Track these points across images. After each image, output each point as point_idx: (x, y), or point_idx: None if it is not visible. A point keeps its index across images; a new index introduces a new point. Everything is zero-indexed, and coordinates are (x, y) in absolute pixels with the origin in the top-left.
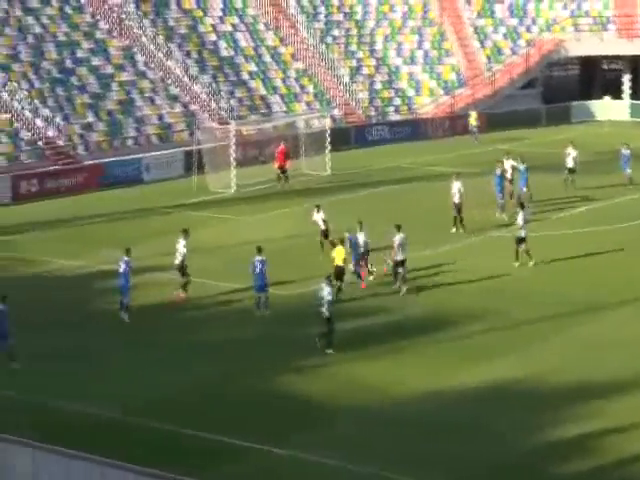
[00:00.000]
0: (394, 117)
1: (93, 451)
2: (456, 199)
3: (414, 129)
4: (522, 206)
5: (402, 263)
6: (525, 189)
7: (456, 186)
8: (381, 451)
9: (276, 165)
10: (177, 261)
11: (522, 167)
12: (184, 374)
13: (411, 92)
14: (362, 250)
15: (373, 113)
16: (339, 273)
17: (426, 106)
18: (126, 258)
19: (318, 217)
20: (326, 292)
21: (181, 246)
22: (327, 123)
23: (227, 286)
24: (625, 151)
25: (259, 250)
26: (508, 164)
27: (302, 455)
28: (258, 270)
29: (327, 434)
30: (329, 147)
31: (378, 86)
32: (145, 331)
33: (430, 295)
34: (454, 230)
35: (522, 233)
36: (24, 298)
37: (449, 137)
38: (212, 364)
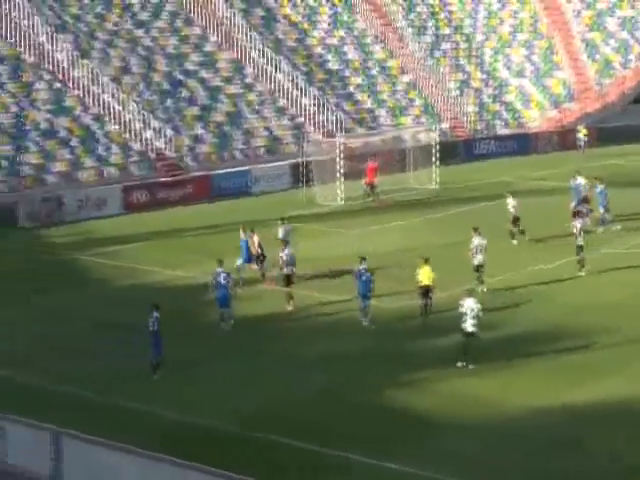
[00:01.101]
0: (502, 131)
1: (203, 461)
2: (512, 212)
3: (522, 143)
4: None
5: (479, 268)
6: (602, 210)
7: (511, 203)
8: (489, 466)
9: (365, 181)
10: (285, 271)
11: (600, 188)
12: (293, 387)
13: (519, 106)
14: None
15: (481, 127)
16: (425, 292)
17: (534, 120)
18: (219, 269)
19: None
20: (469, 306)
21: (285, 255)
22: (434, 137)
23: (333, 298)
24: None
25: (363, 259)
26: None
27: (412, 470)
28: (365, 278)
29: (437, 449)
30: (436, 161)
31: (486, 100)
32: (252, 342)
33: (541, 311)
34: (515, 242)
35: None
36: (131, 309)
37: (557, 152)
38: (320, 377)
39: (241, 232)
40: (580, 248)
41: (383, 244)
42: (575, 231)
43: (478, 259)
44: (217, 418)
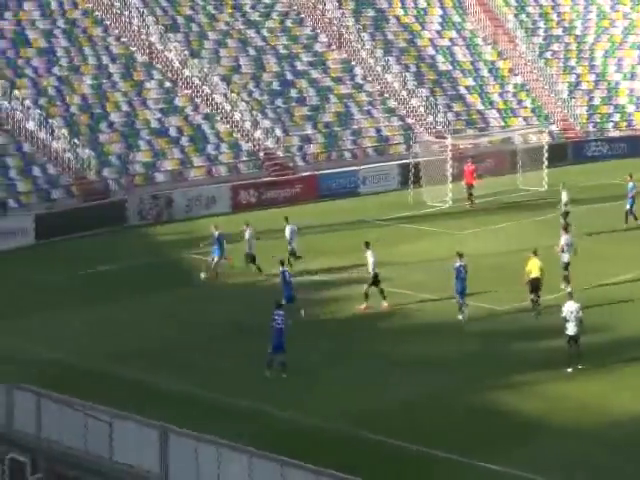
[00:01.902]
0: (612, 133)
1: (309, 460)
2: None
3: (633, 146)
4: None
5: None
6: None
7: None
8: (593, 471)
9: (464, 183)
10: (370, 270)
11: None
12: (396, 387)
13: (631, 108)
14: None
15: (591, 129)
16: (534, 285)
17: None
18: (282, 268)
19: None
20: (568, 309)
21: (369, 256)
22: (544, 138)
23: (436, 299)
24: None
25: (460, 256)
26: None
27: (517, 472)
28: (463, 275)
29: (542, 452)
30: (546, 163)
31: (597, 102)
32: (356, 342)
33: None
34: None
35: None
36: (237, 306)
37: None
38: (424, 377)
39: (212, 228)
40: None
41: (491, 245)
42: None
43: (565, 257)
44: (326, 418)
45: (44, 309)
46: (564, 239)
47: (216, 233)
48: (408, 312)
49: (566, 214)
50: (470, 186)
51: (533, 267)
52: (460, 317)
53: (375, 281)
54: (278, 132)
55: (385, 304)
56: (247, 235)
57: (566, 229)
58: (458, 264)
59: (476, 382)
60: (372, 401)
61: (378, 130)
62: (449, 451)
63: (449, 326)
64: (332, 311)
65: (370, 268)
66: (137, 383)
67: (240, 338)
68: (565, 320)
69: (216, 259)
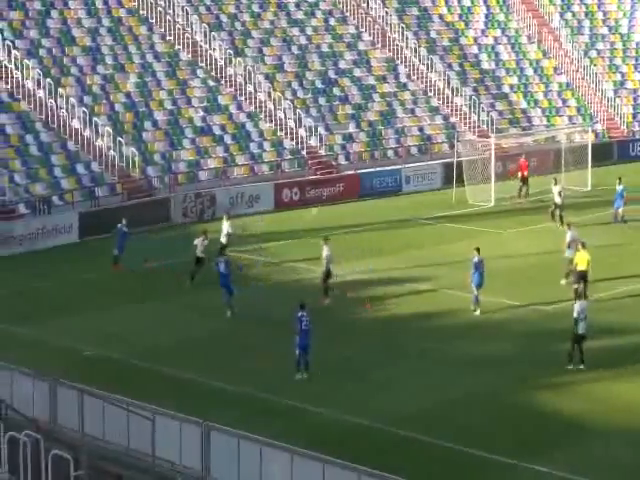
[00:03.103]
0: None
1: (349, 460)
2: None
3: None
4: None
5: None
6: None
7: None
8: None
9: (519, 176)
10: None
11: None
12: (440, 387)
13: None
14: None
15: (637, 128)
16: (582, 277)
17: None
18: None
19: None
20: (581, 308)
21: (324, 251)
22: (589, 138)
23: (483, 299)
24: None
25: (477, 250)
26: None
27: (563, 474)
28: (482, 270)
29: (588, 454)
30: (590, 162)
31: None
32: (401, 341)
33: None
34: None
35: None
36: (279, 306)
37: None
38: (468, 378)
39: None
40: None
41: (534, 245)
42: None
43: (569, 253)
44: (370, 418)
45: (89, 306)
46: (570, 235)
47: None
48: (453, 312)
49: (559, 208)
50: (524, 178)
51: (581, 260)
52: (476, 311)
53: (326, 276)
54: (321, 131)
55: (326, 301)
56: (200, 246)
57: (569, 225)
58: (477, 259)
59: (520, 382)
60: (416, 401)
61: (421, 129)
62: (494, 452)
63: (492, 326)
64: (376, 310)
65: (324, 263)
66: (182, 380)
67: (284, 337)
68: (576, 320)
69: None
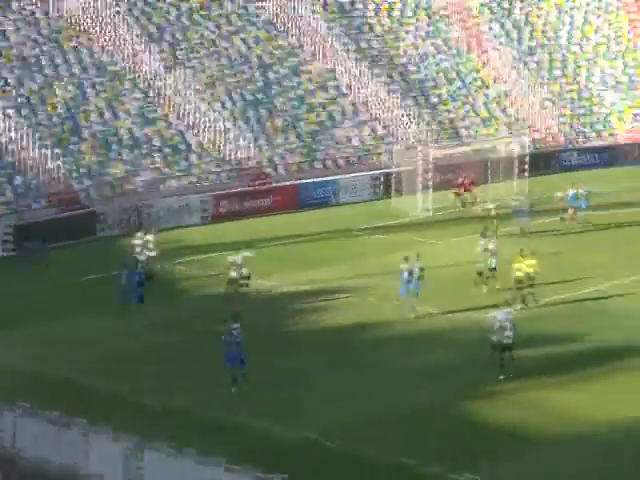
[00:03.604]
0: (594, 143)
1: (287, 472)
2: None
3: (612, 155)
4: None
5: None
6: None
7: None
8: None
9: (461, 191)
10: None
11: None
12: (376, 398)
13: (613, 118)
14: None
15: (573, 138)
16: (525, 281)
17: (628, 132)
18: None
19: None
20: (500, 318)
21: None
22: (525, 148)
23: (423, 309)
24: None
25: (406, 259)
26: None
27: None
28: (406, 277)
29: (532, 463)
30: (526, 172)
31: (579, 111)
32: (340, 353)
33: (621, 321)
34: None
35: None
36: (216, 319)
37: None
38: (402, 388)
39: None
40: None
41: (468, 255)
42: None
43: (490, 263)
44: (308, 430)
45: (20, 320)
46: (482, 245)
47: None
48: (391, 322)
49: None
50: (466, 192)
51: (522, 266)
52: (412, 315)
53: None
54: (256, 142)
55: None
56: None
57: (484, 234)
58: (412, 266)
59: (457, 392)
60: (354, 413)
61: (356, 140)
62: (431, 464)
63: (429, 336)
64: (313, 321)
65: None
66: (113, 395)
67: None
68: (499, 329)
69: None
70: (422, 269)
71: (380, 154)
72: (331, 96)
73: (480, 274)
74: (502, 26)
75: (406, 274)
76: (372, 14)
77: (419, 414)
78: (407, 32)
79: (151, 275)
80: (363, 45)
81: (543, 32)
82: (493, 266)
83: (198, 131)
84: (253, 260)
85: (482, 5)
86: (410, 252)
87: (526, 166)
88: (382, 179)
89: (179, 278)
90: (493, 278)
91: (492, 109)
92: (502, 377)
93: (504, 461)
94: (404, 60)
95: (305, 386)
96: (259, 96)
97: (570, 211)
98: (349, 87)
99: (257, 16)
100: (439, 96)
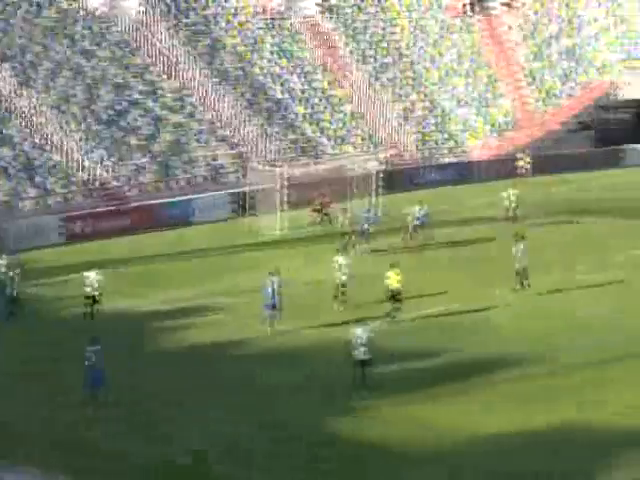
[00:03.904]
0: (445, 159)
1: None
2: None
3: (465, 171)
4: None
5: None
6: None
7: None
8: None
9: (316, 209)
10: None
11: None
12: (238, 417)
13: (462, 134)
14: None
15: (424, 155)
16: (394, 295)
17: (477, 148)
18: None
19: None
20: (360, 334)
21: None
22: (377, 166)
23: (281, 327)
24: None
25: (273, 273)
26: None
27: None
28: (270, 290)
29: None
30: (379, 190)
31: (429, 128)
32: (204, 373)
33: (475, 339)
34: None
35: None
36: (73, 339)
37: (500, 179)
38: (263, 405)
39: None
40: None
41: (325, 271)
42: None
43: (342, 279)
44: (171, 451)
45: None
46: (339, 260)
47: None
48: (251, 340)
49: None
50: (323, 209)
51: (392, 279)
52: (269, 330)
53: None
54: (111, 162)
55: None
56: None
57: (341, 250)
58: (271, 280)
59: (319, 408)
60: (216, 433)
61: (211, 159)
62: None
63: (289, 353)
64: (174, 341)
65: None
66: None
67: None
68: (355, 346)
69: None
70: (281, 285)
71: (236, 173)
72: (185, 115)
73: (337, 290)
74: (356, 45)
75: (270, 289)
76: (226, 33)
77: (280, 431)
78: (262, 51)
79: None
80: (217, 64)
81: (396, 50)
82: (344, 282)
83: (53, 151)
84: (111, 280)
85: (337, 24)
86: (268, 270)
87: (380, 183)
88: (239, 198)
89: (34, 300)
90: (342, 295)
91: (347, 127)
92: (365, 393)
93: (370, 477)
94: (259, 79)
95: (165, 405)
96: (113, 116)
97: (411, 229)
98: (204, 106)
99: (110, 35)
100: (295, 114)
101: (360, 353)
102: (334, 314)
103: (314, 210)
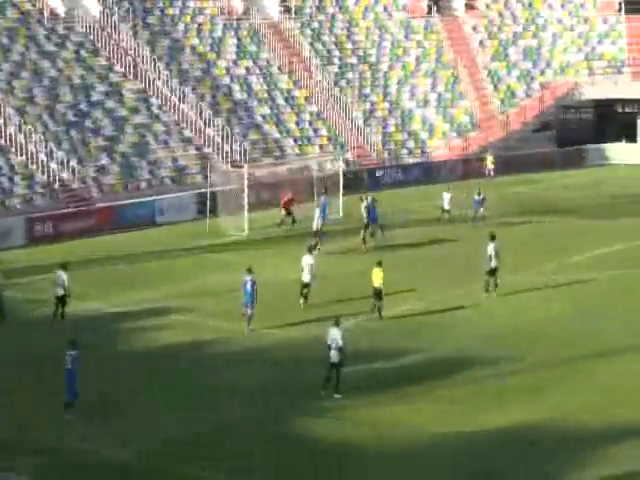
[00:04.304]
0: (407, 160)
1: None
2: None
3: (427, 172)
4: (493, 238)
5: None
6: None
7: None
8: None
9: (281, 209)
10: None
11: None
12: (204, 417)
13: (424, 135)
14: None
15: (386, 156)
16: (377, 294)
17: (439, 149)
18: (250, 277)
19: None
20: (334, 336)
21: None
22: (340, 166)
23: (239, 329)
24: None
25: (249, 271)
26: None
27: None
28: (249, 288)
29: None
30: (342, 190)
31: (391, 129)
32: (165, 373)
33: (448, 337)
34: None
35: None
36: (39, 341)
37: (462, 180)
38: (231, 406)
39: None
40: (493, 271)
41: (291, 272)
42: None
43: (306, 278)
44: (132, 452)
45: None
46: (304, 260)
47: None
48: (216, 341)
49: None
50: (287, 209)
51: (376, 277)
52: (246, 329)
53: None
54: (74, 163)
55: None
56: None
57: (310, 250)
58: (246, 278)
59: (286, 409)
60: (180, 433)
61: (174, 160)
62: None
63: (256, 353)
64: (139, 342)
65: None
66: None
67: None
68: (328, 347)
69: None
70: (255, 283)
71: (199, 174)
72: (148, 116)
73: (302, 289)
74: (319, 46)
75: (247, 288)
76: (188, 35)
77: (246, 432)
78: (224, 52)
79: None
80: (179, 65)
81: (354, 52)
82: (307, 281)
83: (14, 152)
84: (77, 282)
85: (298, 25)
86: (233, 272)
87: (341, 184)
88: (202, 199)
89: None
90: (302, 296)
91: (309, 128)
92: (338, 396)
93: (338, 477)
94: (221, 80)
95: (128, 406)
96: (75, 117)
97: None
98: (166, 107)
99: (72, 36)
100: (257, 116)
101: (335, 354)
102: (302, 314)
103: (285, 210)
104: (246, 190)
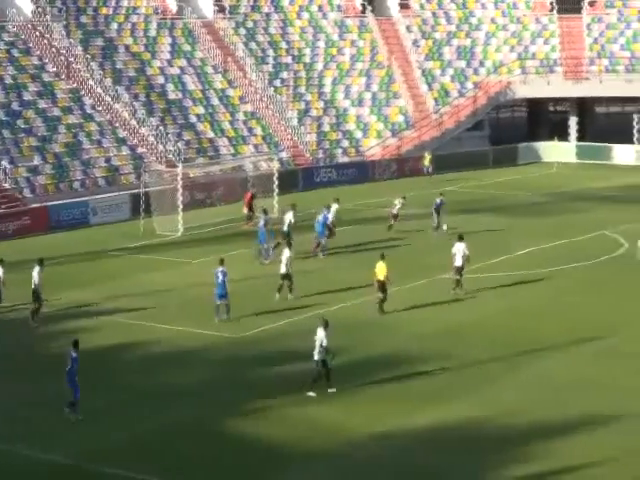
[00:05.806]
0: (342, 159)
1: None
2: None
3: (361, 171)
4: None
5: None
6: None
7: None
8: None
9: (244, 208)
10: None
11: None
12: (140, 418)
13: (359, 134)
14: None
15: (321, 155)
16: (381, 287)
17: (373, 148)
18: (221, 268)
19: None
20: (320, 336)
21: (35, 273)
22: (275, 166)
23: (178, 329)
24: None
25: (221, 262)
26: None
27: None
28: (220, 280)
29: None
30: (277, 190)
31: (326, 128)
32: (102, 374)
33: (383, 336)
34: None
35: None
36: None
37: (396, 179)
38: (166, 408)
39: None
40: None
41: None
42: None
43: (282, 269)
44: (64, 454)
45: None
46: (286, 252)
47: None
48: (150, 342)
49: (288, 234)
50: (250, 207)
51: (380, 270)
52: (219, 317)
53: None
54: (5, 164)
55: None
56: None
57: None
58: (218, 269)
59: (220, 410)
60: (114, 435)
61: (108, 160)
62: None
63: (190, 355)
64: (67, 344)
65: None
66: None
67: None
68: (316, 346)
69: None
70: (226, 275)
71: (133, 174)
72: (82, 116)
73: (281, 282)
74: (253, 45)
75: (220, 277)
76: (122, 34)
77: (183, 433)
78: (158, 52)
79: None
80: (113, 65)
81: (289, 51)
82: (284, 272)
83: None
84: (7, 283)
85: (232, 24)
86: (166, 272)
87: (277, 183)
88: (136, 199)
89: None
90: (281, 287)
91: (243, 128)
92: (332, 390)
93: (257, 477)
94: (155, 80)
95: (61, 409)
96: (6, 117)
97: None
98: (100, 107)
99: (3, 34)
100: (191, 116)
101: (320, 353)
102: (236, 313)
103: (248, 207)
104: (180, 190)
